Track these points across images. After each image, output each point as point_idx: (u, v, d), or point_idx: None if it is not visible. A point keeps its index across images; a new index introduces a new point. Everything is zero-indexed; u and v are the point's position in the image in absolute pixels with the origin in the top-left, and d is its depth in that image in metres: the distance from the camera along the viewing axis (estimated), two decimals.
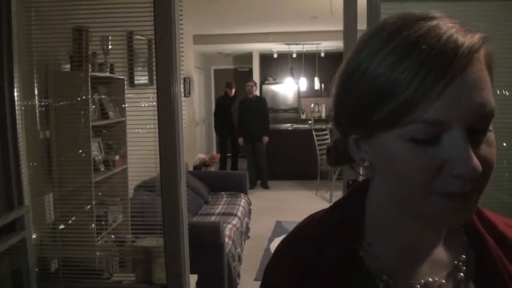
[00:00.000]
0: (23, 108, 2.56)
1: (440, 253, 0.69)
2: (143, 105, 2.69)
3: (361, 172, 0.74)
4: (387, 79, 0.55)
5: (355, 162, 0.71)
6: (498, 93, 2.18)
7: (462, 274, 0.68)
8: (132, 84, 3.28)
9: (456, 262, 0.69)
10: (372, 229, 0.70)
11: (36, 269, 2.58)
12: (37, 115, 2.67)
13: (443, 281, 0.67)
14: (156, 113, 2.46)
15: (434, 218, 0.59)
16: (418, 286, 0.66)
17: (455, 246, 0.70)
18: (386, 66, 0.55)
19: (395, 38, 0.56)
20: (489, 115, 0.56)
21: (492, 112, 0.56)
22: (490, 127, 0.58)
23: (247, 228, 5.44)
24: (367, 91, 0.57)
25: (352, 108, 0.61)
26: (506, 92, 2.21)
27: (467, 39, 0.54)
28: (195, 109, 8.66)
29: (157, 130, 2.47)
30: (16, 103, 2.49)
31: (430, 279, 0.67)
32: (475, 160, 0.54)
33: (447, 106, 0.53)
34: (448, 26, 0.55)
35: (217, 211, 5.09)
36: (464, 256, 0.69)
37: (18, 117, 2.51)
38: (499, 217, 0.75)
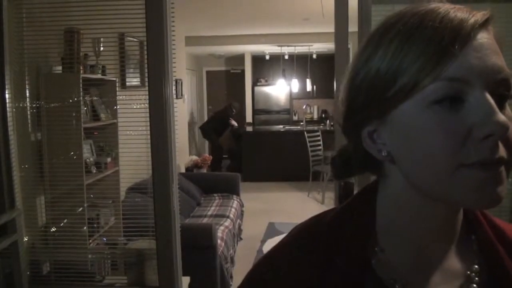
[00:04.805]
0: (14, 110, 2.55)
1: (452, 261, 0.65)
2: (135, 107, 2.69)
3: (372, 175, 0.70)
4: (399, 58, 0.55)
5: (366, 171, 0.68)
6: None
7: (475, 285, 0.64)
8: (123, 86, 3.28)
9: (468, 272, 0.65)
10: (384, 234, 0.66)
11: (28, 272, 2.56)
12: (29, 117, 2.66)
13: None
14: (148, 115, 2.46)
15: (462, 197, 0.55)
16: None
17: (467, 254, 0.66)
18: (396, 44, 0.56)
19: (404, 18, 0.57)
20: (506, 81, 0.55)
21: (509, 79, 0.55)
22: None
23: (240, 230, 5.43)
24: (382, 69, 0.57)
25: (367, 91, 0.60)
26: None
27: (473, 14, 0.55)
28: (187, 110, 8.64)
29: (149, 132, 2.47)
30: (7, 105, 2.48)
31: None
32: (502, 116, 0.52)
33: (467, 64, 0.53)
34: (451, 5, 0.57)
35: (210, 213, 5.09)
36: (476, 266, 0.65)
37: (9, 119, 2.49)
38: (505, 223, 0.71)
